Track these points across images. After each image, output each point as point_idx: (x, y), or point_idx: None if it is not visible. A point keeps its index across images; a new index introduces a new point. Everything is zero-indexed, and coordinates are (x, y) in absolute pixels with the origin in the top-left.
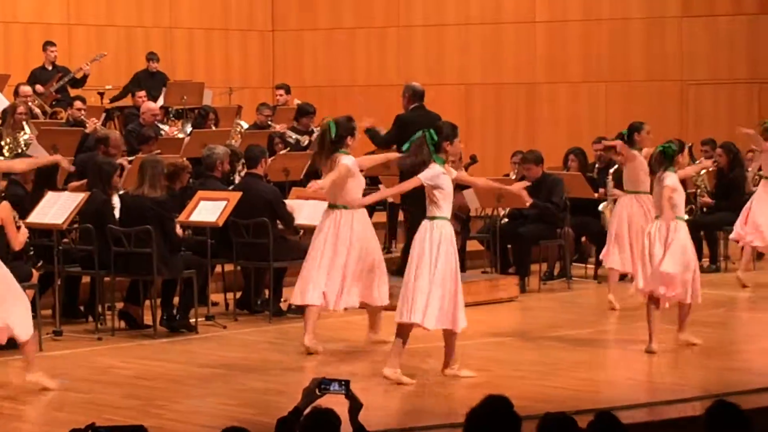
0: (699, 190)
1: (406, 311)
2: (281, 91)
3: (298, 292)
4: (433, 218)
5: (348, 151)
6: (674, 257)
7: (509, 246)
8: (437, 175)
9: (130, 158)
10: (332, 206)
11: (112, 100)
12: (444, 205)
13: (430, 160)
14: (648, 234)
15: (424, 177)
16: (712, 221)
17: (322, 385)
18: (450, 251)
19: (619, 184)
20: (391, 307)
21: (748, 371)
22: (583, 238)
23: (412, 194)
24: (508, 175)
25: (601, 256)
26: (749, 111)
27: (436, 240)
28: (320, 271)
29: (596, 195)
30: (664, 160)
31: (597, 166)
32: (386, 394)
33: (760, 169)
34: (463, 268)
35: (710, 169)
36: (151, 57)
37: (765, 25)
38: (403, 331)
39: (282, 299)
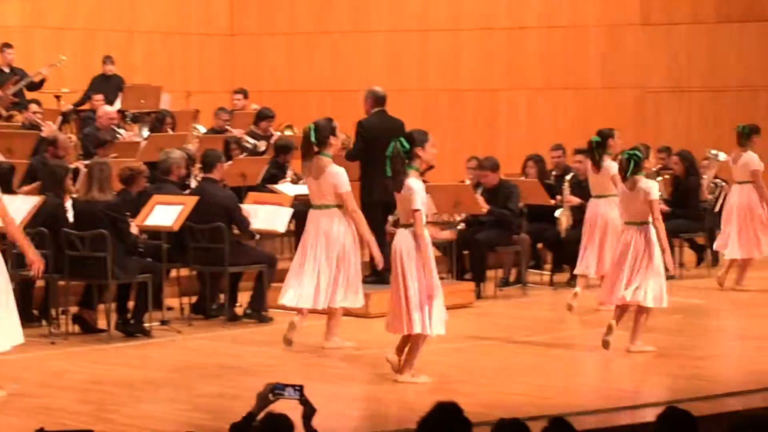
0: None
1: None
2: (239, 96)
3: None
4: (407, 226)
5: (330, 152)
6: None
7: (465, 252)
8: (421, 190)
9: (86, 162)
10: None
11: (76, 105)
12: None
13: (404, 171)
14: (625, 242)
15: (420, 203)
16: (668, 228)
17: (275, 390)
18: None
19: (577, 191)
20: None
21: (701, 378)
22: (540, 245)
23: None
24: (463, 181)
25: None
26: (706, 119)
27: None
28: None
29: (553, 202)
30: (631, 166)
31: (554, 173)
32: (341, 400)
33: (716, 177)
34: None
35: (665, 177)
36: (106, 60)
37: (723, 33)
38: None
39: (237, 304)
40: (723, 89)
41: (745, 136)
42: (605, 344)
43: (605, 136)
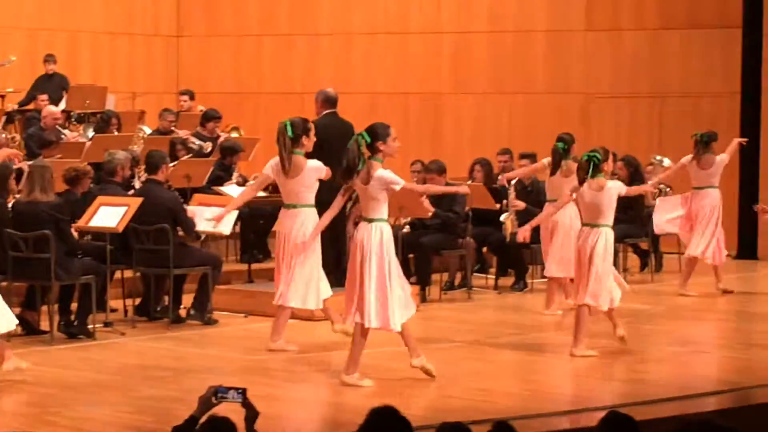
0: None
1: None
2: (185, 97)
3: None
4: (372, 220)
5: (302, 151)
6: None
7: (411, 255)
8: (391, 173)
9: (30, 162)
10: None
11: (20, 105)
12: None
13: (357, 163)
14: (585, 244)
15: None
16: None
17: (218, 393)
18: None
19: (522, 195)
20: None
21: (644, 382)
22: (485, 249)
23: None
24: None
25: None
26: (650, 125)
27: (385, 242)
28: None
29: (498, 206)
30: (590, 168)
31: (500, 177)
32: (285, 403)
33: (660, 182)
34: None
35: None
36: (48, 59)
37: (667, 40)
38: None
39: (181, 306)
40: (666, 95)
41: (704, 144)
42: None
43: (570, 142)
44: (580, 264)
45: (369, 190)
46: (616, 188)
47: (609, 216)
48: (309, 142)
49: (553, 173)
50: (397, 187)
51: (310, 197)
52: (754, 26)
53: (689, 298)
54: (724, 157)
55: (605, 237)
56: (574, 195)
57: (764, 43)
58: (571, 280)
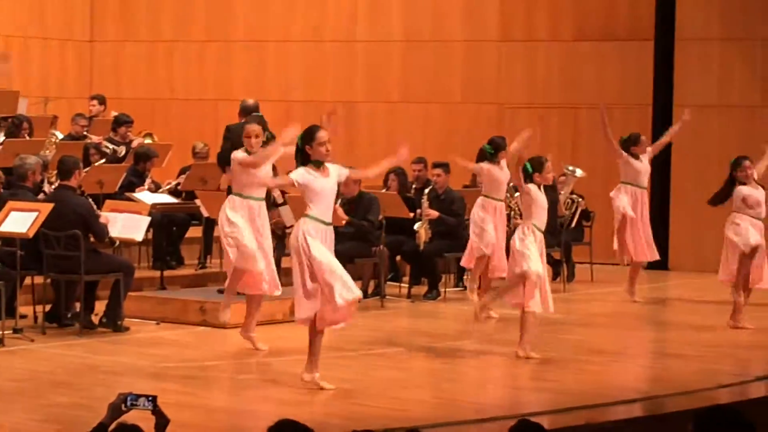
0: (513, 212)
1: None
2: (94, 102)
3: None
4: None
5: None
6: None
7: None
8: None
9: None
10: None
11: None
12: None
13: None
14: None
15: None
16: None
17: (128, 401)
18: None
19: (435, 204)
20: None
21: (555, 391)
22: (398, 257)
23: None
24: None
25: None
26: (563, 135)
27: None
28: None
29: (412, 215)
30: (526, 174)
31: (414, 186)
32: (196, 410)
33: (572, 192)
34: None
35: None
36: None
37: (580, 51)
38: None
39: (93, 313)
40: (580, 106)
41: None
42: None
43: (501, 147)
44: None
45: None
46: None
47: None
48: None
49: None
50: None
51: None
52: (665, 39)
53: (601, 307)
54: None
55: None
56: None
57: (675, 56)
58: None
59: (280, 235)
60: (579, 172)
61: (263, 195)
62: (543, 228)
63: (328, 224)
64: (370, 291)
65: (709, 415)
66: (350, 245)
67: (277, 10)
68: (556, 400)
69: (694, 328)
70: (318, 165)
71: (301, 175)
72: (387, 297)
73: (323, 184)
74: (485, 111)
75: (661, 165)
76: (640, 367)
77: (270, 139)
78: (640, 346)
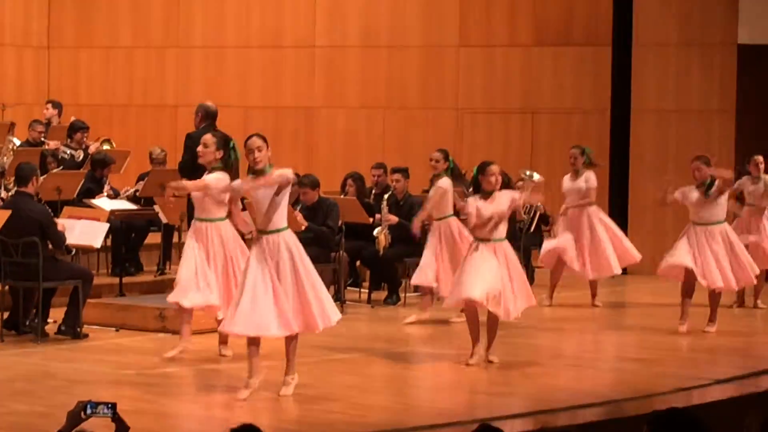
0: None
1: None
2: (48, 105)
3: None
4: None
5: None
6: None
7: None
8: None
9: None
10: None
11: None
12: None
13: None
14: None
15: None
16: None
17: (87, 408)
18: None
19: (395, 209)
20: None
21: (515, 395)
22: (358, 263)
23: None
24: None
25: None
26: (522, 140)
27: None
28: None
29: (371, 220)
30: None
31: (374, 191)
32: (156, 417)
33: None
34: None
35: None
36: None
37: (538, 56)
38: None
39: (51, 320)
40: (538, 111)
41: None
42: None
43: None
44: None
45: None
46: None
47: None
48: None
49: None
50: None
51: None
52: (622, 44)
53: (560, 312)
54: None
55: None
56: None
57: (633, 61)
58: None
59: None
60: (536, 177)
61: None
62: (503, 236)
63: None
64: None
65: (663, 418)
66: (309, 250)
67: (235, 16)
68: (516, 404)
69: (653, 332)
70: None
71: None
72: (347, 302)
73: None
74: (444, 116)
75: (620, 170)
76: (599, 371)
77: (232, 158)
78: (599, 350)
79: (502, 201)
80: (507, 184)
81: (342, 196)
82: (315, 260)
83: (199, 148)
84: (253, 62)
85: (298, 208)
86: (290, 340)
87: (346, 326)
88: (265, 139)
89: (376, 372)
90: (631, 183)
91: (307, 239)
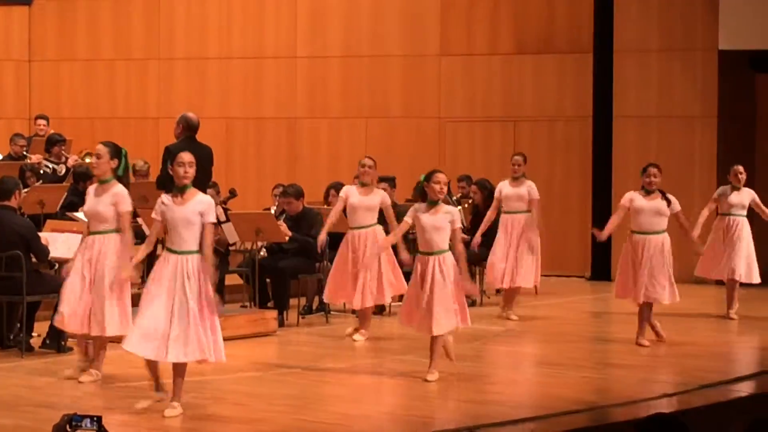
0: None
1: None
2: (43, 122)
3: None
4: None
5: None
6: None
7: (268, 280)
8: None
9: None
10: None
11: None
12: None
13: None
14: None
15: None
16: (468, 256)
17: (73, 422)
18: None
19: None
20: None
21: (501, 403)
22: None
23: None
24: (269, 208)
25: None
26: (504, 148)
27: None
28: None
29: None
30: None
31: None
32: (127, 429)
33: None
34: (221, 302)
35: (466, 206)
36: None
37: (519, 64)
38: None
39: (35, 334)
40: (520, 119)
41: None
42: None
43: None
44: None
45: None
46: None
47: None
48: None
49: None
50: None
51: None
52: (604, 51)
53: (545, 319)
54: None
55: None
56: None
57: (614, 67)
58: None
59: (224, 253)
60: None
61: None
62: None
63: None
64: (314, 307)
65: (650, 423)
66: (294, 261)
67: (217, 27)
68: (501, 412)
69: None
70: (181, 190)
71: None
72: (331, 312)
73: (174, 214)
74: (426, 125)
75: (602, 177)
76: (583, 378)
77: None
78: (583, 357)
79: (441, 219)
80: (490, 193)
81: (325, 207)
82: (299, 270)
83: (93, 160)
84: (235, 73)
85: (282, 218)
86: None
87: (331, 337)
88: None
89: (361, 382)
90: (614, 189)
91: (291, 249)
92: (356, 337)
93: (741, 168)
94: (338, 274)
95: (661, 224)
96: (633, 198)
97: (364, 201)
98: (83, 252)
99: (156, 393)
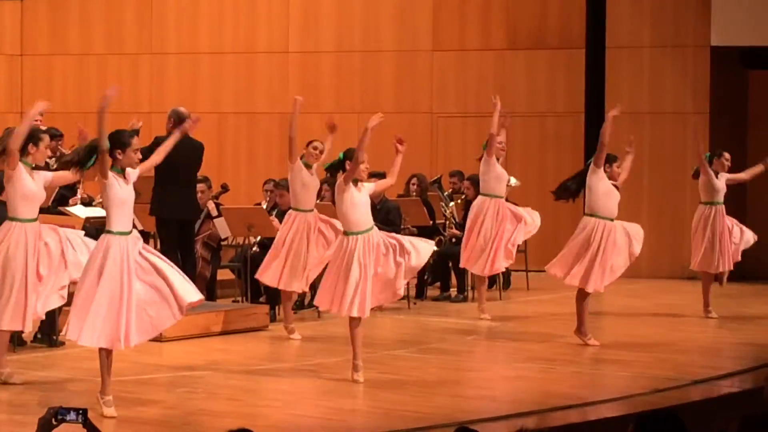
0: (448, 222)
1: None
2: (39, 117)
3: None
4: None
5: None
6: None
7: None
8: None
9: None
10: None
11: None
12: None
13: None
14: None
15: None
16: (460, 252)
17: (58, 415)
18: None
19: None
20: None
21: (492, 399)
22: None
23: None
24: (259, 203)
25: None
26: None
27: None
28: None
29: None
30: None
31: None
32: (129, 424)
33: (506, 200)
34: (213, 297)
35: (458, 201)
36: None
37: (511, 59)
38: None
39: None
40: (512, 114)
41: None
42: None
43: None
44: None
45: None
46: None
47: None
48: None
49: None
50: None
51: None
52: (596, 47)
53: (536, 315)
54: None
55: None
56: None
57: (606, 63)
58: None
59: (215, 248)
60: (513, 181)
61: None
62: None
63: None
64: (306, 302)
65: (649, 419)
66: None
67: (209, 22)
68: (493, 407)
69: (630, 334)
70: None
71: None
72: None
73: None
74: (418, 120)
75: None
76: (576, 373)
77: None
78: (575, 353)
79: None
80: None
81: (318, 201)
82: None
83: (33, 149)
84: (227, 68)
85: (274, 213)
86: None
87: (323, 331)
88: None
89: (350, 376)
90: None
91: None
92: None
93: (728, 156)
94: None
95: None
96: None
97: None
98: None
99: None
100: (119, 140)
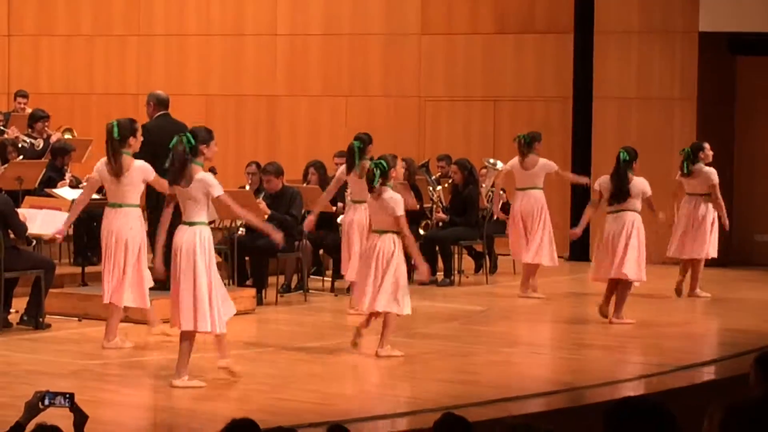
0: (434, 206)
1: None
2: (23, 100)
3: None
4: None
5: (129, 151)
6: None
7: (247, 258)
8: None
9: None
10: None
11: None
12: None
13: (185, 163)
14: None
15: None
16: (446, 236)
17: (45, 399)
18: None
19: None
20: None
21: (478, 384)
22: (321, 251)
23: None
24: (243, 186)
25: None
26: (484, 127)
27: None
28: None
29: (334, 209)
30: (377, 175)
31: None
32: (116, 407)
33: (493, 185)
34: None
35: (445, 185)
36: None
37: (500, 44)
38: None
39: (13, 310)
40: (500, 99)
41: (526, 145)
42: (353, 345)
43: (365, 141)
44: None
45: (190, 192)
46: (392, 204)
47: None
48: (136, 143)
49: (348, 172)
50: (215, 193)
51: (135, 197)
52: (584, 32)
53: (523, 300)
54: (548, 163)
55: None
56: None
57: (594, 48)
58: None
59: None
60: (500, 165)
61: None
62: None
63: None
64: (293, 285)
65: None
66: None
67: (196, 4)
68: (479, 392)
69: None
70: (201, 167)
71: None
72: (310, 291)
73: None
74: (406, 104)
75: (581, 158)
76: (560, 358)
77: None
78: (560, 338)
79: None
80: (470, 173)
81: (304, 185)
82: (278, 249)
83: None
84: (215, 50)
85: (261, 196)
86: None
87: (309, 315)
88: None
89: (339, 361)
90: (593, 170)
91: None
92: None
93: (708, 146)
94: None
95: None
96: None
97: None
98: None
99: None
100: (205, 136)
